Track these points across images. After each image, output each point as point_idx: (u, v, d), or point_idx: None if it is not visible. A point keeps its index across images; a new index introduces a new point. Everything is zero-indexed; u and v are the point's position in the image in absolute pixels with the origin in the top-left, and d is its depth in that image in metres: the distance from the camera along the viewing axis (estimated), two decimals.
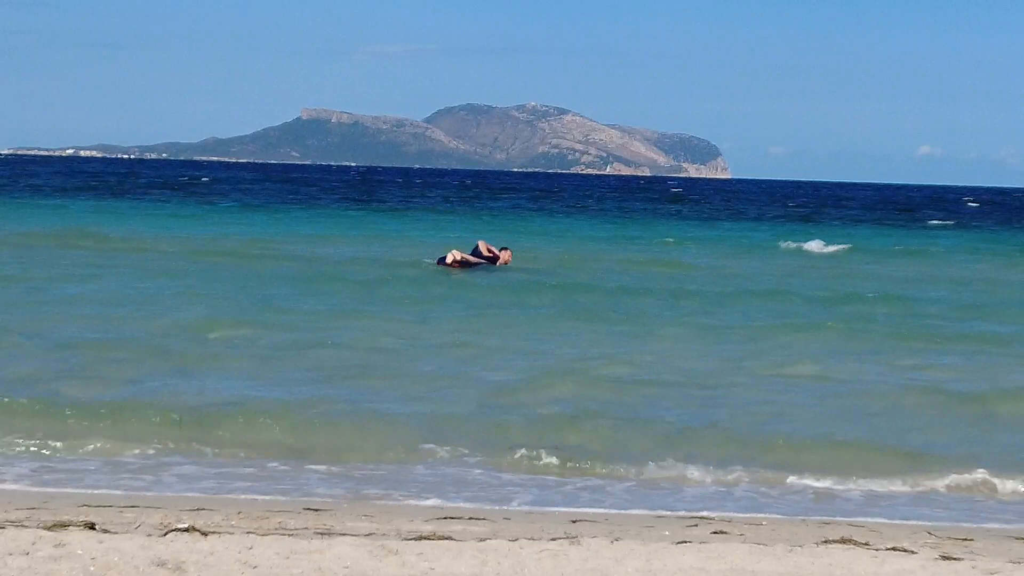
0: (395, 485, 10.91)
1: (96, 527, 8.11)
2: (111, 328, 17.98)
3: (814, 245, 41.26)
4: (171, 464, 11.41)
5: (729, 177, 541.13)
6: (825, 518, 10.06)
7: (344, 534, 8.32)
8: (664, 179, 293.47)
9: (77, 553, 7.34)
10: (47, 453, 11.50)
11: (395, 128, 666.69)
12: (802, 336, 19.51)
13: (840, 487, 11.30)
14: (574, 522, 9.34)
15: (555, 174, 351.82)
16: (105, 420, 12.15)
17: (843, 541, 8.61)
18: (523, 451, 11.75)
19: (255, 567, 7.25)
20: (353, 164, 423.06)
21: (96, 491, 10.12)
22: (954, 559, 8.13)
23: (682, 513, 10.01)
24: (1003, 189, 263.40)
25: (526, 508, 10.09)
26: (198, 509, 9.25)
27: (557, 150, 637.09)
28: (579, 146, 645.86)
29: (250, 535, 8.06)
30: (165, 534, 7.96)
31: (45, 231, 36.23)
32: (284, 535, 8.17)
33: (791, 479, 11.44)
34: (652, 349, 17.92)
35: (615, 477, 11.43)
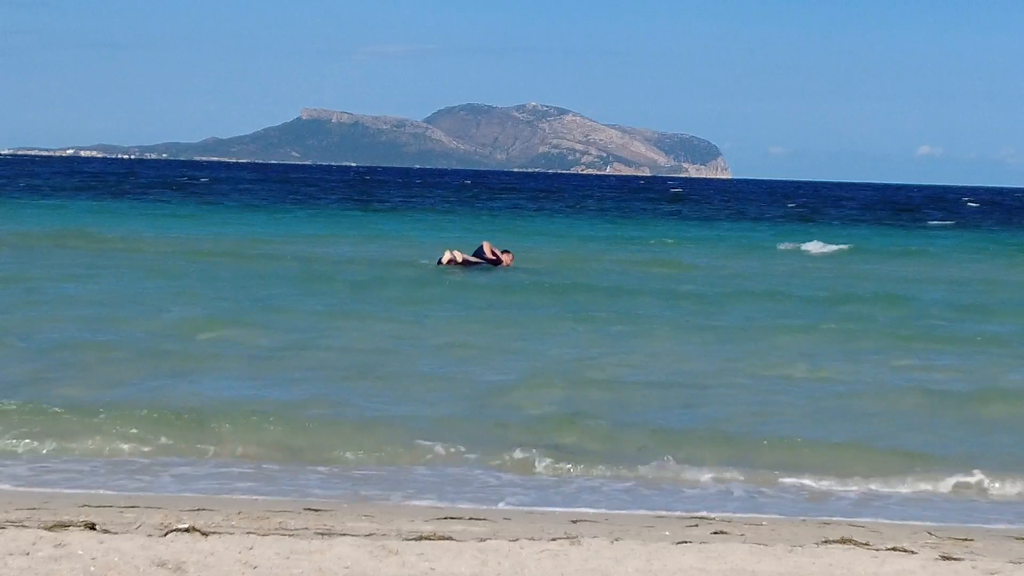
0: (395, 485, 10.92)
1: (96, 527, 8.11)
2: (110, 328, 17.98)
3: (813, 245, 41.27)
4: (171, 464, 11.41)
5: (729, 177, 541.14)
6: (825, 518, 10.06)
7: (344, 534, 8.32)
8: (664, 179, 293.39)
9: (77, 553, 7.34)
10: (46, 453, 11.50)
11: (395, 128, 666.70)
12: (801, 336, 19.51)
13: (840, 487, 11.30)
14: (574, 522, 9.35)
15: (555, 174, 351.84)
16: (104, 420, 12.14)
17: (843, 541, 8.61)
18: (523, 451, 11.75)
19: (255, 567, 7.26)
20: (353, 164, 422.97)
21: (96, 491, 10.12)
22: (954, 559, 8.13)
23: (682, 513, 10.01)
24: (1003, 189, 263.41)
25: (526, 508, 10.09)
26: (198, 509, 9.25)
27: (557, 150, 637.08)
28: (579, 146, 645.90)
29: (250, 535, 8.06)
30: (165, 534, 7.96)
31: (44, 231, 36.25)
32: (284, 535, 8.17)
33: (791, 479, 11.44)
34: (651, 349, 17.92)
35: (615, 477, 11.43)
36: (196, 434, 12.01)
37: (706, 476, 11.44)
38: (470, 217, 57.57)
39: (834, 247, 41.28)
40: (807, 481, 11.40)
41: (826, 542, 8.59)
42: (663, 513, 10.02)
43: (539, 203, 79.64)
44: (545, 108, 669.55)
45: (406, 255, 32.46)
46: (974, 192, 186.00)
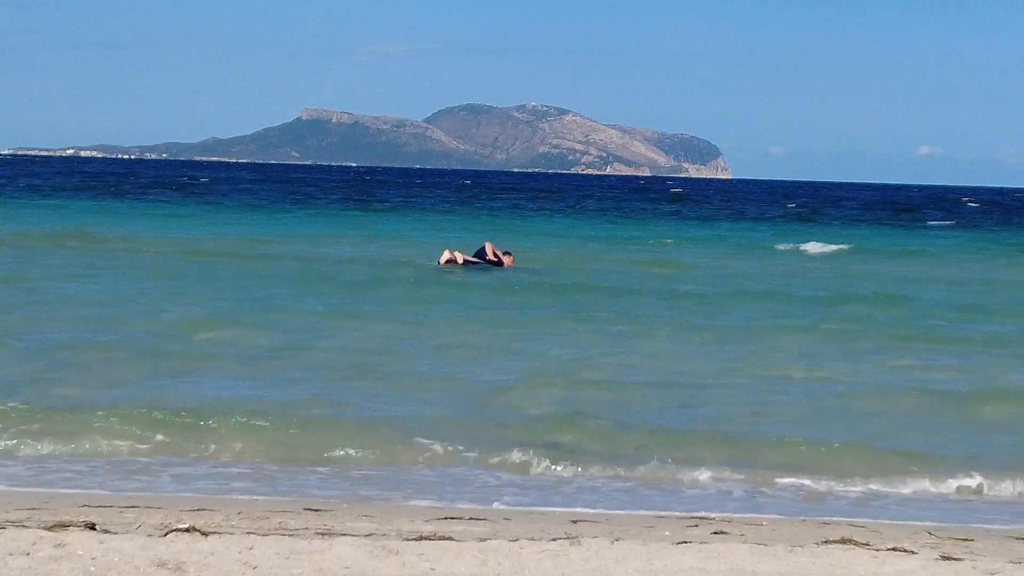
0: (395, 485, 10.92)
1: (96, 527, 8.11)
2: (110, 329, 17.99)
3: (813, 246, 41.27)
4: (171, 464, 11.41)
5: (729, 177, 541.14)
6: (825, 518, 10.06)
7: (344, 534, 8.32)
8: (663, 179, 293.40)
9: (78, 553, 7.34)
10: (46, 453, 11.50)
11: (395, 128, 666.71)
12: (801, 337, 19.52)
13: (840, 487, 11.30)
14: (574, 522, 9.35)
15: (555, 174, 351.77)
16: (104, 420, 12.14)
17: (843, 541, 8.61)
18: (523, 451, 11.74)
19: (255, 567, 7.25)
20: (353, 164, 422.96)
21: (96, 491, 10.12)
22: (954, 559, 8.13)
23: (682, 513, 10.01)
24: (1003, 189, 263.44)
25: (526, 508, 10.09)
26: (198, 509, 9.25)
27: (557, 150, 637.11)
28: (579, 146, 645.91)
29: (250, 535, 8.06)
30: (165, 534, 7.96)
31: (44, 231, 36.24)
32: (284, 535, 8.17)
33: (791, 479, 11.44)
34: (651, 350, 17.92)
35: (615, 477, 11.43)
36: (196, 434, 12.01)
37: (706, 476, 11.44)
38: (470, 217, 57.57)
39: (834, 247, 41.29)
40: (807, 481, 11.40)
41: (826, 542, 8.59)
42: (663, 513, 10.02)
43: (539, 203, 79.65)
44: (545, 108, 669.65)
45: (406, 255, 32.46)
46: (974, 192, 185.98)
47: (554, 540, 8.22)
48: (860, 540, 8.67)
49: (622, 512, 10.08)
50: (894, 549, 8.35)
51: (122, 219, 45.22)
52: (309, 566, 7.32)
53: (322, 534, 8.31)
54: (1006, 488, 11.34)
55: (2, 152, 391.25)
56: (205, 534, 7.98)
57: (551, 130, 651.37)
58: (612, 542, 8.18)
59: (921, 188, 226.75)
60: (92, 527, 8.10)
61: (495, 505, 10.20)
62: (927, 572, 7.77)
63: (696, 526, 9.31)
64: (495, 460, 11.64)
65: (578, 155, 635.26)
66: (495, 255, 29.95)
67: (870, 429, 13.24)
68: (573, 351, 17.57)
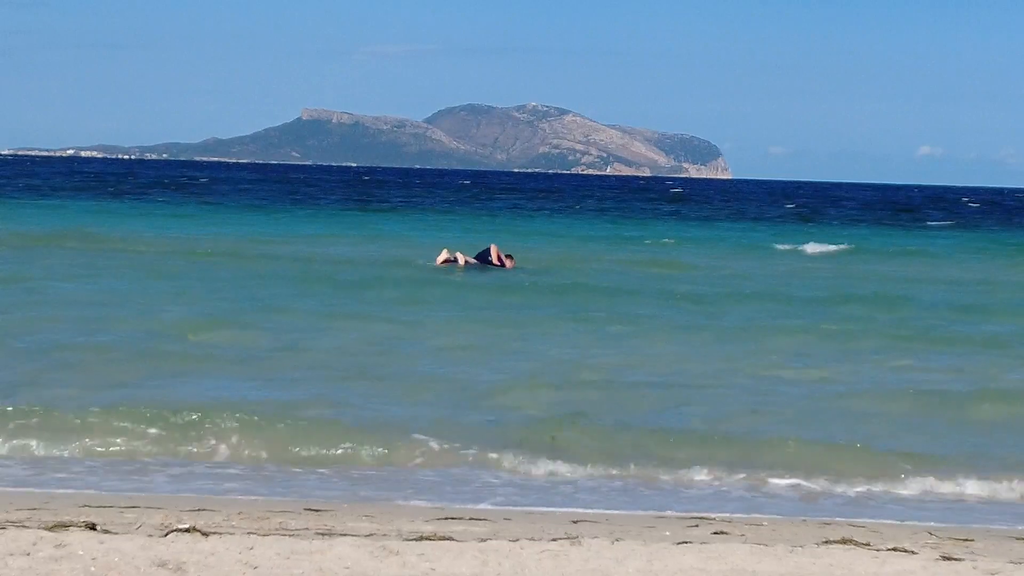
0: (395, 485, 10.92)
1: (97, 527, 8.11)
2: (109, 329, 17.98)
3: (812, 246, 41.27)
4: (171, 464, 11.42)
5: (730, 177, 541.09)
6: (826, 518, 10.06)
7: (345, 534, 8.32)
8: (663, 179, 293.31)
9: (78, 554, 7.34)
10: (47, 454, 11.51)
11: (395, 128, 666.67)
12: (801, 337, 19.51)
13: (840, 488, 11.30)
14: (575, 522, 9.35)
15: (555, 174, 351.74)
16: (104, 421, 12.14)
17: (844, 541, 8.61)
18: (523, 451, 11.75)
19: (256, 567, 7.25)
20: (353, 164, 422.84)
21: (97, 492, 10.12)
22: (955, 559, 8.13)
23: (683, 513, 10.01)
24: (1003, 189, 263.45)
25: (527, 508, 10.09)
26: (199, 510, 9.25)
27: (558, 150, 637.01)
28: (579, 146, 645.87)
29: (251, 535, 8.06)
30: (166, 534, 7.96)
31: (44, 231, 36.24)
32: (285, 535, 8.17)
33: (791, 480, 11.44)
34: (651, 350, 17.92)
35: (615, 477, 11.43)
36: (196, 434, 12.01)
37: (706, 476, 11.45)
38: (470, 217, 57.56)
39: (833, 247, 41.29)
40: (807, 481, 11.41)
41: (827, 542, 8.59)
42: (663, 513, 10.02)
43: (538, 203, 79.65)
44: (545, 108, 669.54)
45: (405, 255, 32.46)
46: (974, 192, 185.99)
47: (554, 540, 8.22)
48: (860, 540, 8.67)
49: (622, 512, 10.08)
50: (894, 549, 8.35)
51: (121, 219, 45.22)
52: (309, 566, 7.32)
53: (322, 534, 8.31)
54: (1006, 488, 11.35)
55: (2, 152, 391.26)
56: (205, 534, 7.98)
57: (551, 130, 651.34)
58: (612, 542, 8.19)
59: (921, 188, 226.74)
60: (92, 527, 8.10)
61: (495, 505, 10.19)
62: (927, 572, 7.77)
63: (696, 526, 9.31)
64: (495, 460, 11.64)
65: (578, 155, 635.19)
66: (499, 258, 29.93)
67: (870, 429, 13.24)
68: (573, 351, 17.57)
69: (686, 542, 8.39)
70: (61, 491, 10.11)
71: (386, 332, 18.83)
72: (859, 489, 11.29)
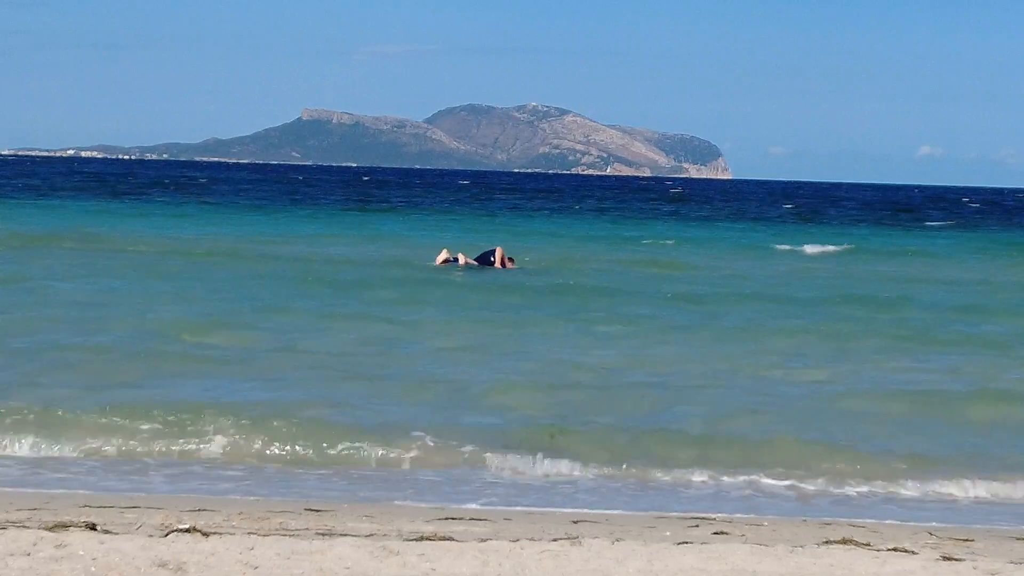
0: (395, 486, 10.93)
1: (97, 528, 8.11)
2: (108, 329, 17.97)
3: (812, 246, 41.27)
4: (171, 465, 11.42)
5: (730, 177, 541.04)
6: (826, 519, 10.06)
7: (345, 535, 8.32)
8: (663, 179, 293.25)
9: (78, 554, 7.34)
10: (47, 454, 11.51)
11: (396, 129, 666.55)
12: (800, 337, 19.51)
13: (840, 488, 11.31)
14: (575, 522, 9.35)
15: (555, 175, 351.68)
16: (104, 421, 12.15)
17: (844, 542, 8.61)
18: (523, 451, 11.75)
19: (256, 567, 7.25)
20: (354, 165, 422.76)
21: (97, 492, 10.12)
22: (955, 560, 8.13)
23: (683, 514, 10.01)
24: (1003, 189, 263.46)
25: (527, 508, 10.09)
26: (199, 510, 9.26)
27: (558, 151, 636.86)
28: (580, 147, 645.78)
29: (251, 536, 8.07)
30: (166, 535, 7.96)
31: (43, 231, 36.23)
32: (285, 535, 8.17)
33: (791, 480, 11.45)
34: (650, 350, 17.91)
35: (615, 477, 11.44)
36: (196, 434, 12.01)
37: (706, 476, 11.45)
38: (470, 218, 57.56)
39: (833, 247, 41.30)
40: (807, 482, 11.41)
41: (827, 542, 8.60)
42: (664, 513, 10.02)
43: (538, 203, 79.66)
44: (545, 108, 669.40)
45: (405, 255, 32.46)
46: (975, 192, 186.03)
47: (555, 540, 8.23)
48: (861, 540, 8.67)
49: (622, 512, 10.09)
50: (895, 549, 8.35)
51: (121, 219, 45.22)
52: (310, 566, 7.32)
53: (323, 534, 8.31)
54: (1006, 489, 11.35)
55: (3, 152, 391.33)
56: (206, 534, 7.98)
57: (551, 130, 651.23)
58: (613, 542, 8.19)
59: (922, 188, 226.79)
60: (93, 527, 8.10)
61: (496, 505, 10.20)
62: (928, 572, 7.77)
63: (697, 526, 9.31)
64: (495, 460, 11.65)
65: (579, 155, 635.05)
66: (502, 261, 29.89)
67: (870, 429, 13.25)
68: (572, 351, 17.57)
69: (686, 542, 8.39)
70: (61, 491, 10.11)
71: (386, 332, 18.83)
72: (859, 489, 11.29)
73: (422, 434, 12.15)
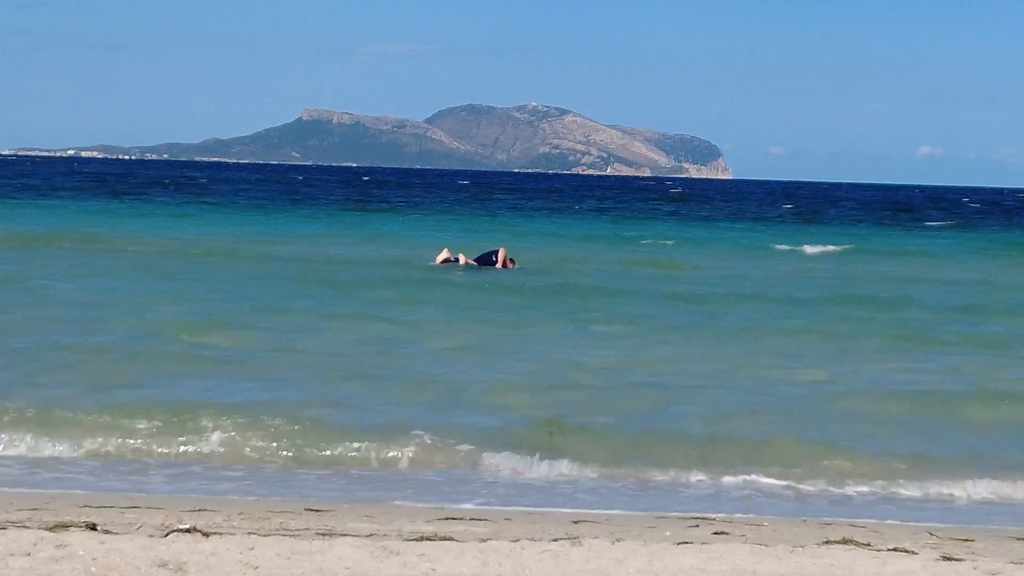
0: (395, 486, 10.93)
1: (97, 528, 8.11)
2: (108, 329, 17.97)
3: (812, 246, 41.27)
4: (171, 465, 11.42)
5: (730, 177, 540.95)
6: (826, 519, 10.06)
7: (345, 535, 8.32)
8: (663, 179, 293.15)
9: (78, 554, 7.34)
10: (47, 454, 11.52)
11: (396, 129, 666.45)
12: (800, 338, 19.52)
13: (840, 488, 11.31)
14: (575, 523, 9.35)
15: (555, 175, 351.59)
16: (104, 421, 12.15)
17: (844, 542, 8.61)
18: (523, 451, 11.75)
19: (256, 568, 7.25)
20: (354, 165, 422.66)
21: (97, 492, 10.12)
22: (955, 560, 8.13)
23: (683, 514, 10.01)
24: (1003, 189, 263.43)
25: (527, 509, 10.09)
26: (199, 510, 9.26)
27: (558, 151, 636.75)
28: (580, 147, 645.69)
29: (251, 536, 8.07)
30: (166, 535, 7.96)
31: (43, 231, 36.22)
32: (285, 536, 8.17)
33: (791, 480, 11.45)
34: (650, 351, 17.92)
35: (615, 477, 11.44)
36: (196, 434, 12.02)
37: (706, 477, 11.45)
38: (470, 218, 57.56)
39: (833, 247, 41.30)
40: (807, 482, 11.41)
41: (827, 542, 8.60)
42: (664, 514, 10.02)
43: (538, 203, 79.65)
44: (546, 108, 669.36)
45: (404, 256, 32.46)
46: (975, 192, 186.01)
47: (555, 540, 8.23)
48: (861, 540, 8.67)
49: (623, 512, 10.09)
50: (895, 549, 8.36)
51: (121, 219, 45.22)
52: (310, 566, 7.32)
53: (323, 534, 8.31)
54: (1007, 489, 11.35)
55: (3, 152, 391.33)
56: (206, 534, 7.98)
57: (552, 130, 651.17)
58: (613, 542, 8.19)
59: (922, 188, 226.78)
60: (93, 527, 8.10)
61: (496, 505, 10.20)
62: (928, 572, 7.77)
63: (697, 526, 9.31)
64: (495, 460, 11.65)
65: (579, 155, 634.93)
66: (504, 263, 29.86)
67: (870, 430, 13.25)
68: (572, 351, 17.57)
69: (687, 542, 8.40)
70: (61, 491, 10.11)
71: (385, 332, 18.83)
72: (859, 489, 11.30)
73: (422, 434, 12.15)
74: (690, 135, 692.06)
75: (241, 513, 9.18)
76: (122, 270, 26.43)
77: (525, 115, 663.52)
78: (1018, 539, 9.33)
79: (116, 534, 7.96)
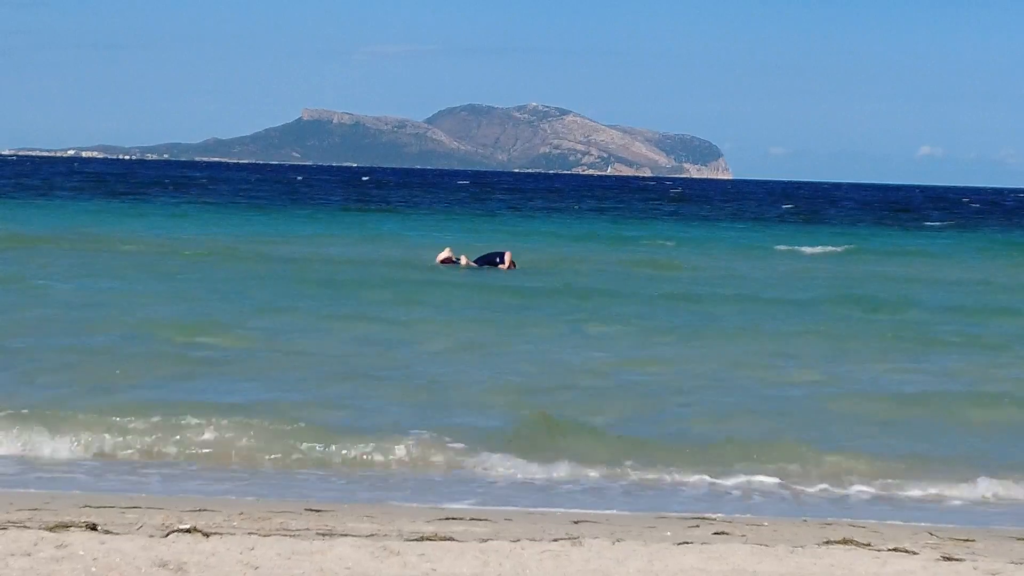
0: (395, 486, 10.93)
1: (98, 528, 8.11)
2: (108, 330, 17.97)
3: (812, 246, 41.27)
4: (171, 465, 11.42)
5: (730, 178, 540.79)
6: (826, 519, 10.06)
7: (346, 535, 8.32)
8: (663, 180, 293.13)
9: (79, 554, 7.34)
10: (46, 454, 11.51)
11: (396, 129, 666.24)
12: (800, 339, 19.52)
13: (841, 488, 11.31)
14: (576, 523, 9.35)
15: (555, 175, 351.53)
16: (104, 422, 12.15)
17: (844, 542, 8.61)
18: (523, 452, 11.75)
19: (257, 568, 7.25)
20: (354, 165, 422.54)
21: (97, 492, 10.12)
22: (955, 560, 8.13)
23: (683, 514, 10.01)
24: (1003, 189, 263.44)
25: (527, 509, 10.09)
26: (200, 510, 9.26)
27: (558, 151, 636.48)
28: (580, 147, 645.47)
29: (252, 536, 8.07)
30: (167, 535, 7.96)
31: (42, 231, 36.22)
32: (286, 536, 8.17)
33: (791, 480, 11.45)
34: (650, 351, 17.92)
35: (615, 478, 11.44)
36: (196, 435, 12.01)
37: (706, 477, 11.45)
38: (470, 218, 57.55)
39: (833, 248, 41.30)
40: (807, 482, 11.41)
41: (827, 543, 8.60)
42: (664, 514, 10.02)
43: (538, 203, 79.64)
44: (546, 108, 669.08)
45: (404, 256, 32.47)
46: (975, 192, 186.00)
47: (555, 540, 8.23)
48: (861, 540, 8.67)
49: (623, 512, 10.09)
50: (895, 550, 8.35)
51: (120, 219, 45.22)
52: (310, 567, 7.32)
53: (323, 535, 8.31)
54: (1007, 489, 11.35)
55: (3, 153, 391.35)
56: (206, 534, 7.98)
57: (552, 131, 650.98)
58: (613, 542, 8.19)
59: (922, 188, 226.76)
60: (93, 528, 8.10)
61: (496, 505, 10.20)
62: (928, 572, 7.77)
63: (697, 527, 9.31)
64: (495, 460, 11.65)
65: (579, 156, 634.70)
66: (510, 266, 29.82)
67: (870, 430, 13.25)
68: (572, 352, 17.57)
69: (687, 542, 8.40)
70: (62, 491, 10.11)
71: (385, 333, 18.82)
72: (859, 489, 11.30)
73: (422, 434, 12.15)
74: (690, 135, 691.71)
75: (241, 513, 9.18)
76: (122, 270, 26.43)
77: (525, 115, 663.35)
78: (1018, 539, 9.33)
79: (116, 534, 7.96)
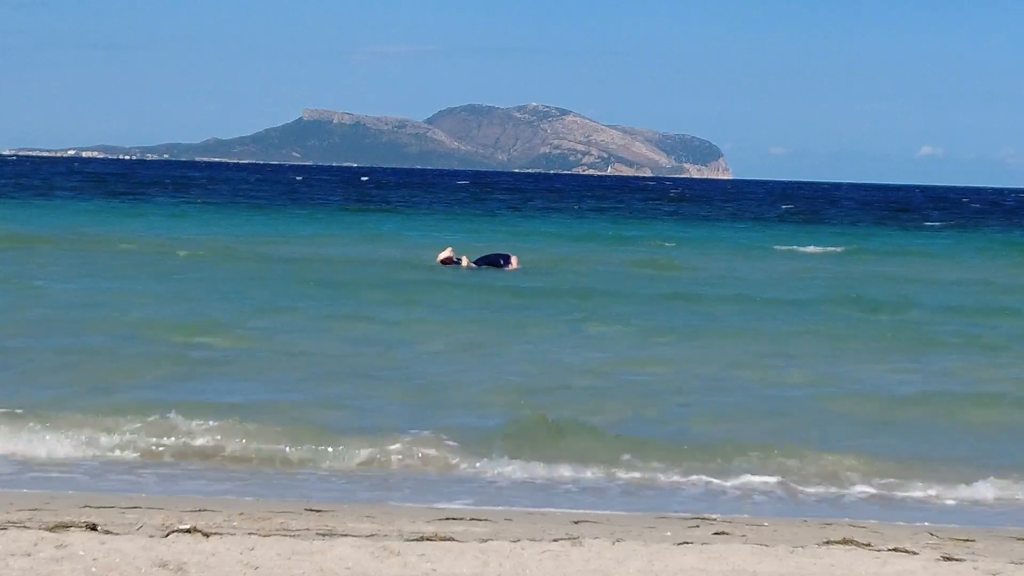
0: (396, 486, 10.93)
1: (98, 528, 8.11)
2: (107, 330, 17.98)
3: (811, 247, 41.27)
4: (171, 465, 11.42)
5: (731, 178, 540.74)
6: (827, 519, 10.06)
7: (346, 535, 8.32)
8: (662, 180, 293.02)
9: (79, 554, 7.34)
10: (46, 454, 11.51)
11: (396, 129, 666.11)
12: (800, 339, 19.52)
13: (841, 488, 11.31)
14: (576, 523, 9.35)
15: (555, 175, 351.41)
16: (104, 421, 12.15)
17: (845, 542, 8.61)
18: (523, 452, 11.75)
19: (257, 568, 7.25)
20: (354, 165, 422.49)
21: (98, 492, 10.12)
22: (955, 560, 8.13)
23: (684, 514, 10.01)
24: (1003, 189, 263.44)
25: (527, 509, 10.09)
26: (200, 510, 9.25)
27: (559, 151, 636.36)
28: (580, 147, 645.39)
29: (252, 536, 8.07)
30: (167, 535, 7.96)
31: (42, 231, 36.22)
32: (286, 536, 8.17)
33: (791, 480, 11.44)
34: (650, 351, 17.92)
35: (615, 478, 11.44)
36: (196, 435, 12.01)
37: (706, 477, 11.45)
38: (469, 218, 57.55)
39: (833, 248, 41.30)
40: (807, 482, 11.41)
41: (827, 543, 8.59)
42: (664, 514, 10.02)
43: (538, 203, 79.63)
44: (546, 109, 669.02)
45: (404, 256, 32.47)
46: (976, 192, 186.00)
47: (555, 541, 8.23)
48: (861, 541, 8.67)
49: (623, 513, 10.09)
50: (895, 550, 8.35)
51: (120, 219, 45.23)
52: (311, 567, 7.32)
53: (323, 535, 8.31)
54: (1007, 489, 11.35)
55: (4, 153, 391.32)
56: (206, 535, 7.98)
57: (552, 131, 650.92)
58: (613, 543, 8.18)
59: (923, 189, 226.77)
60: (93, 528, 8.10)
61: (496, 505, 10.20)
62: (928, 572, 7.77)
63: (697, 527, 9.31)
64: (495, 461, 11.65)
65: (579, 156, 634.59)
66: (515, 266, 29.81)
67: (870, 430, 13.25)
68: (572, 352, 17.58)
69: (687, 542, 8.39)
70: (61, 491, 10.11)
71: (385, 333, 18.83)
72: (859, 489, 11.30)
73: (422, 434, 12.15)
74: (690, 135, 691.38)
75: (241, 513, 9.18)
76: (121, 270, 26.43)
77: (525, 115, 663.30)
78: (1018, 539, 9.33)
79: (116, 534, 7.96)
